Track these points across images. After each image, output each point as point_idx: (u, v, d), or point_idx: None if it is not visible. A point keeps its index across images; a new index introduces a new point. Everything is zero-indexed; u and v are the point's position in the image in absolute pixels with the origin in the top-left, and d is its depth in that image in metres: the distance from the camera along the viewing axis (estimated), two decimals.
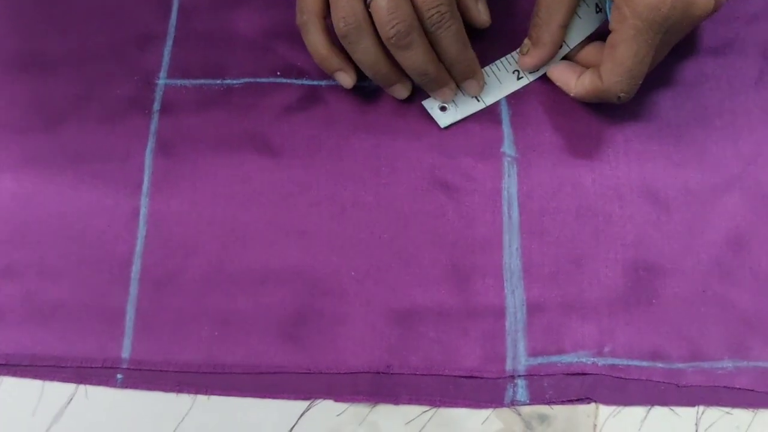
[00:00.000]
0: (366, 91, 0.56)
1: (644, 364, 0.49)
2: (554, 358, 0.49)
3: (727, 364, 0.49)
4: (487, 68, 0.56)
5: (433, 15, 0.50)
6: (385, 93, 0.56)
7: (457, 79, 0.54)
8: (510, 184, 0.53)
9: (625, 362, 0.49)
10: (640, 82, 0.50)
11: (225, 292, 0.52)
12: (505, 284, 0.51)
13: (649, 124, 0.55)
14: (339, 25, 0.50)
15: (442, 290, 0.51)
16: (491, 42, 0.57)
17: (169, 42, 0.59)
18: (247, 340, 0.51)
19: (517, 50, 0.55)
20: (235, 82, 0.57)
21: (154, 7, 0.60)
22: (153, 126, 0.56)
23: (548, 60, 0.54)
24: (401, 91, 0.55)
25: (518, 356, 0.49)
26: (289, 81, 0.57)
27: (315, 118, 0.56)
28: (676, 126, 0.55)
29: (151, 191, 0.54)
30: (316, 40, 0.53)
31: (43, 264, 0.52)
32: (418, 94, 0.56)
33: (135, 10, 0.60)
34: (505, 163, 0.54)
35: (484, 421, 0.48)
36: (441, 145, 0.55)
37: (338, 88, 0.56)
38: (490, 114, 0.55)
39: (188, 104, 0.57)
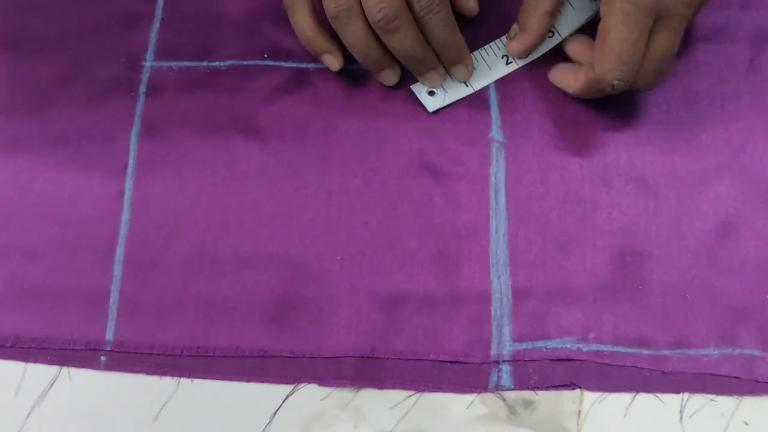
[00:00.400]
0: (354, 74, 0.56)
1: (630, 350, 0.48)
2: (539, 344, 0.49)
3: (713, 351, 0.48)
4: (476, 53, 0.55)
5: (422, 0, 0.49)
6: (373, 77, 0.55)
7: (445, 64, 0.54)
8: (498, 170, 0.53)
9: (610, 348, 0.49)
10: (636, 69, 0.49)
11: (209, 276, 0.51)
12: (491, 270, 0.51)
13: (638, 110, 0.54)
14: (330, 6, 0.50)
15: (428, 275, 0.51)
16: (480, 27, 0.56)
17: (156, 23, 0.58)
18: (231, 323, 0.50)
19: (506, 35, 0.55)
20: (221, 64, 0.57)
21: None
22: (139, 108, 0.55)
23: (535, 46, 0.54)
24: (390, 77, 0.54)
25: (503, 341, 0.49)
26: (276, 63, 0.57)
27: (302, 101, 0.56)
28: (666, 112, 0.54)
29: (136, 174, 0.54)
30: (302, 22, 0.53)
31: (27, 245, 0.52)
32: (406, 78, 0.55)
33: None
34: (494, 149, 0.53)
35: (468, 406, 0.48)
36: (429, 130, 0.54)
37: (326, 71, 0.56)
38: (478, 99, 0.55)
39: (174, 86, 0.56)
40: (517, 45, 0.54)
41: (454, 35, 0.52)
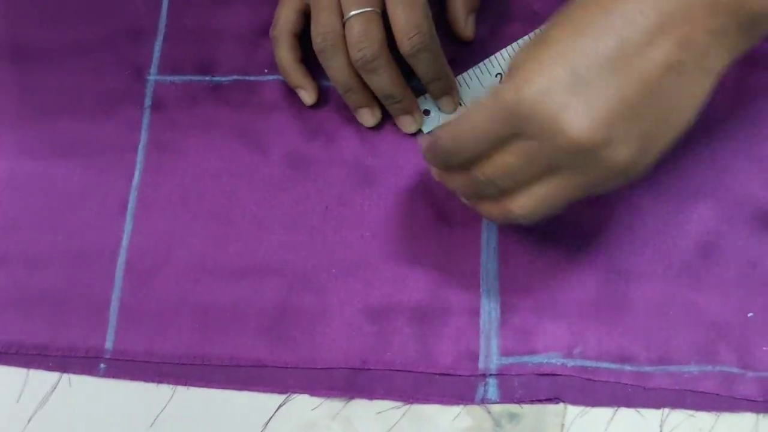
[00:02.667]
0: None
1: (613, 366, 0.48)
2: (525, 358, 0.49)
3: (693, 368, 0.48)
4: (470, 71, 0.55)
5: (412, 39, 0.49)
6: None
7: (433, 95, 0.53)
8: None
9: (594, 364, 0.48)
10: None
11: (208, 286, 0.51)
12: (481, 284, 0.50)
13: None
14: (317, 40, 0.50)
15: (420, 288, 0.51)
16: (474, 45, 0.56)
17: (160, 37, 0.58)
18: (227, 333, 0.50)
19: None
20: (224, 78, 0.57)
21: (145, 1, 0.59)
22: (145, 121, 0.55)
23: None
24: (367, 117, 0.54)
25: (491, 355, 0.49)
26: (276, 78, 0.56)
27: (303, 116, 0.55)
28: None
29: (140, 186, 0.54)
30: (283, 56, 0.53)
31: (30, 254, 0.52)
32: None
33: (126, 4, 0.59)
34: None
35: (454, 418, 0.48)
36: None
37: (327, 87, 0.56)
38: None
39: (178, 100, 0.56)
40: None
41: (443, 69, 0.52)
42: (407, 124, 0.53)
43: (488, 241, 0.51)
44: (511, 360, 0.49)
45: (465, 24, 0.55)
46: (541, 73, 0.38)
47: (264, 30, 0.57)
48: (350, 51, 0.49)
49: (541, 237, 0.51)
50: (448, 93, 0.53)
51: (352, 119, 0.55)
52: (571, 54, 0.38)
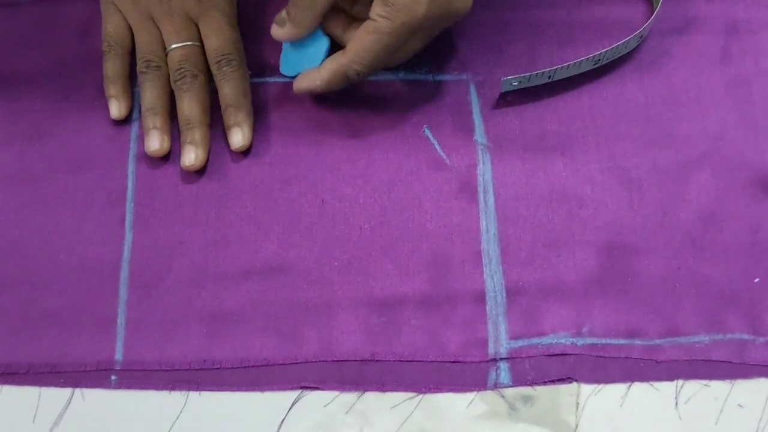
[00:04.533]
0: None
1: (622, 342, 0.47)
2: (535, 340, 0.48)
3: (704, 337, 0.47)
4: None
5: (220, 62, 0.53)
6: (360, 87, 0.54)
7: (226, 123, 0.53)
8: (485, 171, 0.52)
9: (603, 341, 0.47)
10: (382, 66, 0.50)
11: (211, 290, 0.50)
12: (484, 269, 0.50)
13: (616, 105, 0.53)
14: (140, 62, 0.54)
15: (423, 278, 0.50)
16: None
17: None
18: (235, 335, 0.49)
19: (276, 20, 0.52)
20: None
21: None
22: (133, 132, 0.54)
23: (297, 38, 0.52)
24: (155, 141, 0.53)
25: (500, 340, 0.48)
26: (262, 80, 0.56)
27: (290, 115, 0.55)
28: (644, 106, 0.53)
29: (135, 197, 0.52)
30: (113, 66, 0.55)
31: (33, 274, 0.51)
32: (393, 90, 0.54)
33: None
34: (479, 151, 0.52)
35: (468, 405, 0.47)
36: (415, 137, 0.53)
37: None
38: (460, 105, 0.54)
39: None
40: (283, 34, 0.52)
41: (242, 101, 0.53)
42: (189, 154, 0.52)
43: (488, 227, 0.50)
44: (520, 343, 0.48)
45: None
46: None
47: (245, 33, 0.56)
48: (171, 73, 0.53)
49: (540, 218, 0.50)
50: (240, 124, 0.53)
51: (340, 114, 0.54)
52: None
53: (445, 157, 0.52)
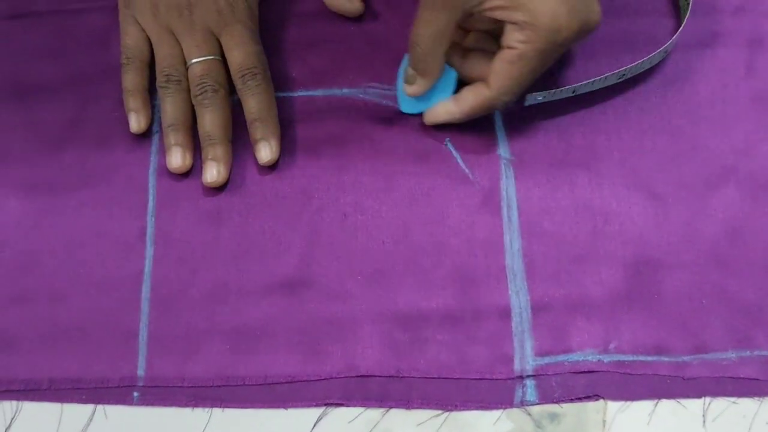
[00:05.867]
0: (362, 100, 0.54)
1: (649, 358, 0.47)
2: (561, 357, 0.47)
3: (731, 354, 0.46)
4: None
5: (245, 76, 0.52)
6: (381, 102, 0.53)
7: (253, 137, 0.52)
8: (508, 186, 0.51)
9: (630, 358, 0.47)
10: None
11: (233, 306, 0.49)
12: (509, 285, 0.49)
13: (640, 119, 0.52)
14: (161, 76, 0.53)
15: (447, 293, 0.49)
16: None
17: None
18: (257, 351, 0.48)
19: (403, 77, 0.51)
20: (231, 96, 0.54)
21: None
22: (154, 146, 0.53)
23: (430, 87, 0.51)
24: (178, 158, 0.52)
25: (525, 357, 0.47)
26: (283, 94, 0.55)
27: (312, 128, 0.54)
28: (668, 120, 0.52)
29: (156, 210, 0.52)
30: (132, 79, 0.54)
31: (54, 289, 0.50)
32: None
33: None
34: (502, 165, 0.51)
35: (495, 422, 0.46)
36: (438, 151, 0.52)
37: (333, 98, 0.54)
38: (483, 118, 0.52)
39: None
40: (418, 89, 0.50)
41: (269, 114, 0.52)
42: (211, 170, 0.51)
43: (512, 242, 0.50)
44: (546, 360, 0.47)
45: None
46: None
47: (265, 46, 0.55)
48: (192, 87, 0.52)
49: (565, 234, 0.50)
50: (267, 139, 0.52)
51: (361, 127, 0.53)
52: None
53: (468, 171, 0.51)
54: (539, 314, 0.48)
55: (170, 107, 0.52)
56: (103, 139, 0.54)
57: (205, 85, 0.52)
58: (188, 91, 0.53)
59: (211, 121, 0.51)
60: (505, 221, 0.50)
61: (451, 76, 0.50)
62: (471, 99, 0.49)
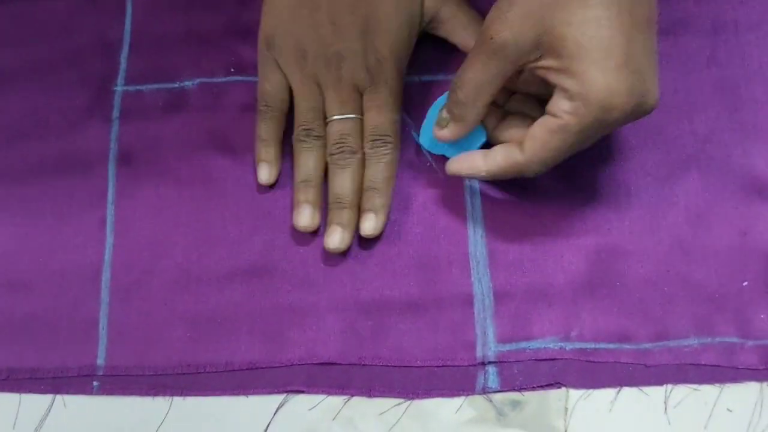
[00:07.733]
0: None
1: (611, 346, 0.46)
2: (523, 344, 0.46)
3: (693, 341, 0.46)
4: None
5: (375, 141, 0.49)
6: None
7: (363, 206, 0.49)
8: None
9: (592, 345, 0.46)
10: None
11: (194, 293, 0.48)
12: (471, 273, 0.48)
13: None
14: (299, 130, 0.50)
15: (410, 281, 0.48)
16: None
17: (125, 48, 0.54)
18: (219, 338, 0.48)
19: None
20: (190, 83, 0.53)
21: (109, 15, 0.55)
22: (114, 133, 0.52)
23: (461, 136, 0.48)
24: (307, 216, 0.48)
25: (488, 343, 0.46)
26: (243, 78, 0.53)
27: None
28: None
29: (116, 199, 0.50)
30: (268, 129, 0.51)
31: (13, 278, 0.49)
32: None
33: (89, 19, 0.55)
34: None
35: (457, 410, 0.45)
36: (403, 139, 0.51)
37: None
38: None
39: (147, 109, 0.53)
40: (448, 135, 0.47)
41: (385, 185, 0.49)
42: (334, 236, 0.48)
43: (475, 229, 0.49)
44: (508, 347, 0.46)
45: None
46: None
47: (227, 31, 0.54)
48: (329, 145, 0.49)
49: (528, 221, 0.49)
50: (376, 212, 0.48)
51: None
52: None
53: (431, 160, 0.50)
54: (501, 301, 0.47)
55: (305, 162, 0.49)
56: (64, 128, 0.52)
57: (344, 145, 0.48)
58: (325, 147, 0.50)
59: (342, 183, 0.48)
60: (468, 209, 0.49)
61: (481, 137, 0.48)
62: (500, 159, 0.45)
